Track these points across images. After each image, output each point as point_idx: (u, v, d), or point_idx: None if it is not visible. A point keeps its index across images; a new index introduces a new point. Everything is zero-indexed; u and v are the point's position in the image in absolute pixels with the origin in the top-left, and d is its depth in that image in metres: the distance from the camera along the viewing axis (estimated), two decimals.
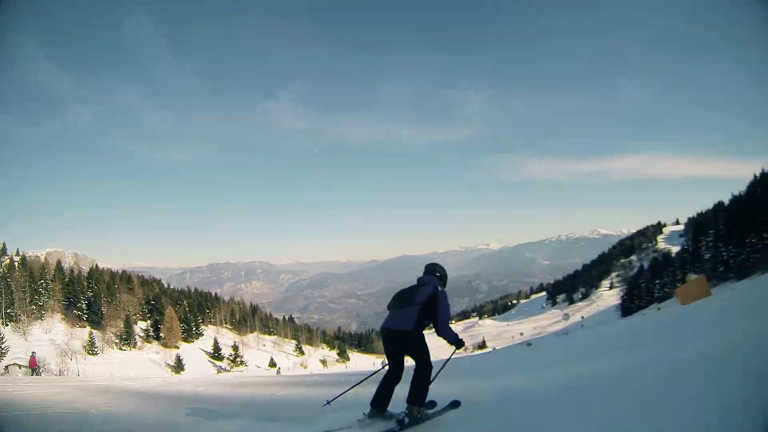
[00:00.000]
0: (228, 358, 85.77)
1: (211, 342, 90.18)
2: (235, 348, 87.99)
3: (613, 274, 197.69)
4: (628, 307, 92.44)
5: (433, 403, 5.58)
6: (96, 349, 74.82)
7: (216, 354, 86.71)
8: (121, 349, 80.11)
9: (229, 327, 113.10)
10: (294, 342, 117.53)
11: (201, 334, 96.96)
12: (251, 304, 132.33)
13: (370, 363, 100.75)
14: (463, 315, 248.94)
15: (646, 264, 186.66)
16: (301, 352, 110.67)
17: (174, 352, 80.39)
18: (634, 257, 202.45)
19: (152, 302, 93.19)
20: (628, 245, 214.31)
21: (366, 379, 7.20)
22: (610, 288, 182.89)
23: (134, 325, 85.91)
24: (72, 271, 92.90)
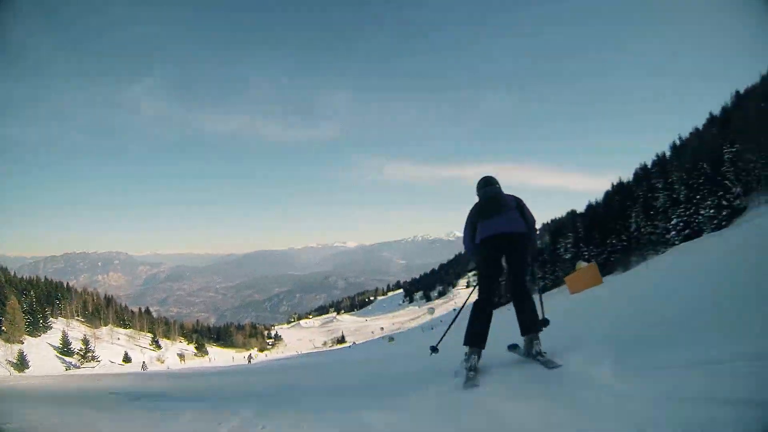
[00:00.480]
0: (78, 353, 78.22)
1: (60, 336, 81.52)
2: (86, 342, 79.62)
3: (470, 273, 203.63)
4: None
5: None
6: None
7: (65, 349, 78.45)
8: None
9: (81, 320, 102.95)
10: (150, 335, 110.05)
11: (49, 327, 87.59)
12: (106, 295, 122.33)
13: (230, 357, 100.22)
14: (321, 310, 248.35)
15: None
16: (158, 346, 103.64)
17: (17, 347, 72.34)
18: None
19: None
20: None
21: (456, 318, 6.20)
22: (467, 286, 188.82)
23: None
24: None
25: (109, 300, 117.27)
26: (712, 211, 46.02)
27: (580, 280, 25.04)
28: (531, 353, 4.25)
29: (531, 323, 4.34)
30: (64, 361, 75.48)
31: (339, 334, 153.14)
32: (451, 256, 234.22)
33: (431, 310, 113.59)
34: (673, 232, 50.74)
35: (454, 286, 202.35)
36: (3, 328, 76.31)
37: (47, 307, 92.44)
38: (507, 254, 4.52)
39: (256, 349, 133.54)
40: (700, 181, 49.37)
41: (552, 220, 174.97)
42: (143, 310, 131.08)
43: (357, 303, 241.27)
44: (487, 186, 5.01)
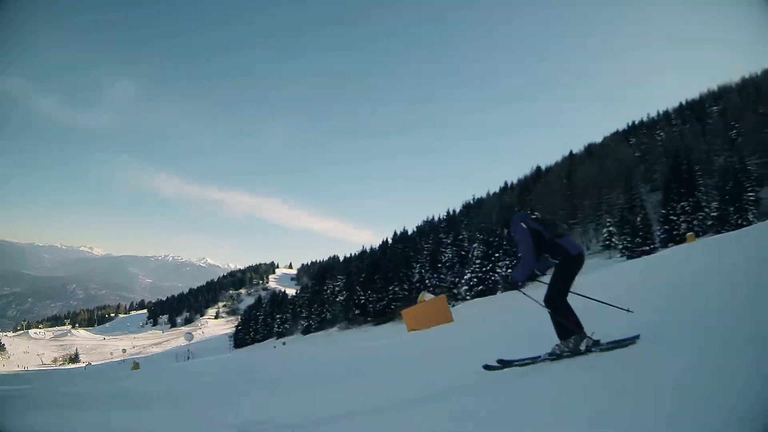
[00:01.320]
0: None
1: None
2: None
3: (221, 304, 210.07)
4: (243, 338, 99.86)
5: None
6: None
7: None
8: None
9: None
10: None
11: None
12: None
13: None
14: (55, 321, 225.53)
15: (255, 298, 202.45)
16: None
17: None
18: (243, 291, 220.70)
19: None
20: (239, 278, 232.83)
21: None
22: (216, 317, 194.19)
23: None
24: None
25: None
26: (509, 270, 48.49)
27: (425, 315, 20.63)
28: (580, 351, 4.85)
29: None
30: None
31: (73, 351, 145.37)
32: (201, 283, 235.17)
33: (189, 336, 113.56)
34: (465, 287, 54.87)
35: (202, 314, 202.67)
36: None
37: None
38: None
39: None
40: (495, 241, 54.05)
41: (312, 262, 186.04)
42: None
43: (96, 318, 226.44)
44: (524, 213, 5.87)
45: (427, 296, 26.29)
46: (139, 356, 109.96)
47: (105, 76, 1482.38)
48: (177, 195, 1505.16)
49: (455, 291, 56.60)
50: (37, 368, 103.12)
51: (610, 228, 56.39)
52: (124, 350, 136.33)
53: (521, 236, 5.23)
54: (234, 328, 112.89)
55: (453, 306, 40.85)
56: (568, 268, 5.13)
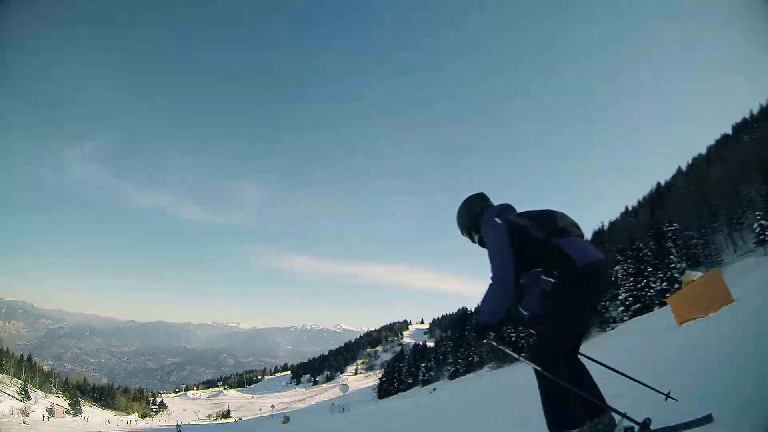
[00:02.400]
0: None
1: None
2: None
3: (359, 362, 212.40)
4: (387, 389, 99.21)
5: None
6: None
7: None
8: None
9: None
10: (20, 383, 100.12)
11: None
12: None
13: (104, 419, 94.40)
14: (209, 384, 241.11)
15: (391, 354, 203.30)
16: (27, 396, 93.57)
17: None
18: (379, 348, 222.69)
19: None
20: (375, 337, 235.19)
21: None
22: (355, 373, 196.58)
23: None
24: None
25: None
26: (665, 284, 45.45)
27: (696, 299, 13.92)
28: None
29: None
30: None
31: (225, 408, 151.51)
32: (335, 347, 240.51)
33: (345, 387, 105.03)
34: (621, 308, 50.08)
35: (342, 372, 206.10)
36: None
37: None
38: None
39: (136, 414, 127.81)
40: (646, 255, 49.58)
41: (443, 316, 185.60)
42: (25, 357, 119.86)
43: (245, 380, 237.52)
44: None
45: (694, 275, 16.97)
46: (285, 411, 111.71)
47: (238, 182, 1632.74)
48: (312, 271, 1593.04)
49: (606, 315, 52.02)
50: (194, 423, 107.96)
51: (761, 221, 48.98)
52: (272, 406, 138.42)
53: (493, 238, 2.93)
54: (378, 380, 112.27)
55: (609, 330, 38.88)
56: (574, 291, 2.73)
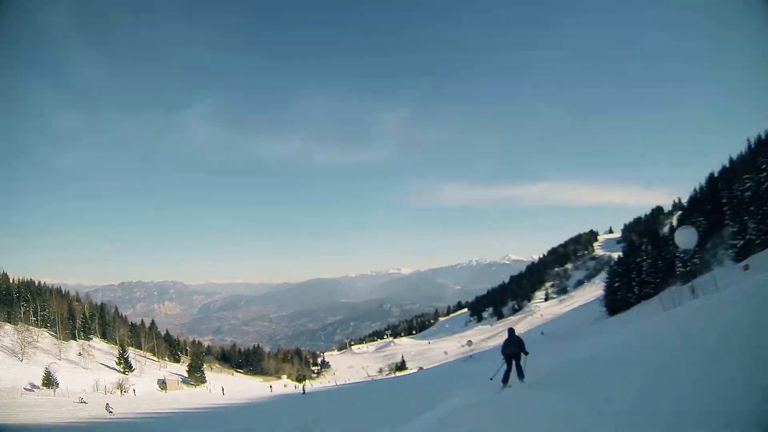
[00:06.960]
0: None
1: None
2: None
3: (548, 284, 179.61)
4: (625, 298, 62.82)
5: None
6: None
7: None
8: None
9: None
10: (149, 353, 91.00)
11: None
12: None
13: (247, 386, 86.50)
14: (376, 335, 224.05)
15: (584, 270, 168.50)
16: (129, 367, 72.92)
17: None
18: (569, 265, 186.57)
19: None
20: (561, 254, 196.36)
21: None
22: (546, 299, 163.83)
23: None
24: None
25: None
26: None
27: None
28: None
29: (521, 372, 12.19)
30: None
31: (398, 359, 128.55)
32: (506, 281, 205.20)
33: (470, 342, 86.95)
34: None
35: (530, 299, 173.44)
36: None
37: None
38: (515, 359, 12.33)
39: (285, 376, 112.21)
40: None
41: (636, 219, 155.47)
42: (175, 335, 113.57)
43: (416, 326, 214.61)
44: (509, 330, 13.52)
45: None
46: (475, 352, 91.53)
47: (374, 114, 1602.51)
48: (468, 200, 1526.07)
49: None
50: (362, 380, 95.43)
51: None
52: (469, 341, 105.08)
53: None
54: (603, 291, 74.42)
55: None
56: None
